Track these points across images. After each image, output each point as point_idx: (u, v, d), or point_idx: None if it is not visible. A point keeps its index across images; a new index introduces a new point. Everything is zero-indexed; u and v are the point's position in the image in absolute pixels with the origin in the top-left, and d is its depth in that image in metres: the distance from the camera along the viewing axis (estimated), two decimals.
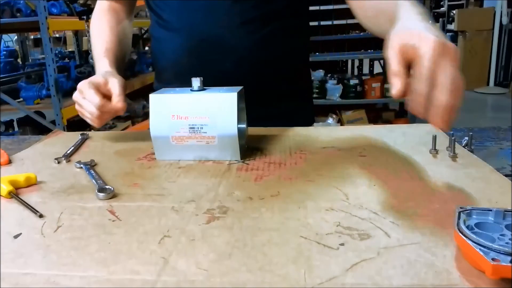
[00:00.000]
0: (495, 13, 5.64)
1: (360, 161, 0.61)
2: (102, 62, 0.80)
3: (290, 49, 0.84)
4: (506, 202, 0.46)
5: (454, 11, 6.69)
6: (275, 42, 0.79)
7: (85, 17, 2.65)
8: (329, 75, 3.62)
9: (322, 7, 3.43)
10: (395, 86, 0.47)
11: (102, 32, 0.86)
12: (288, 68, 0.75)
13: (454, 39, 6.60)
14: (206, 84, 0.65)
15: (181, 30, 0.83)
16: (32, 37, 6.19)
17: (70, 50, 5.13)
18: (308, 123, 0.94)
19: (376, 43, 3.55)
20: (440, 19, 7.94)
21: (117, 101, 0.68)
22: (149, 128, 0.64)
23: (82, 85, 0.70)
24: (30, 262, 0.39)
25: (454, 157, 0.60)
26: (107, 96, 0.70)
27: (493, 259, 0.32)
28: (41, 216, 0.48)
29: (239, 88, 0.64)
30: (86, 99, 0.69)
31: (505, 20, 5.51)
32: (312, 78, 3.50)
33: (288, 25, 0.84)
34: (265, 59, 0.72)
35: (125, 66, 0.87)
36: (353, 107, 3.61)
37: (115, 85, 0.69)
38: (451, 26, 6.81)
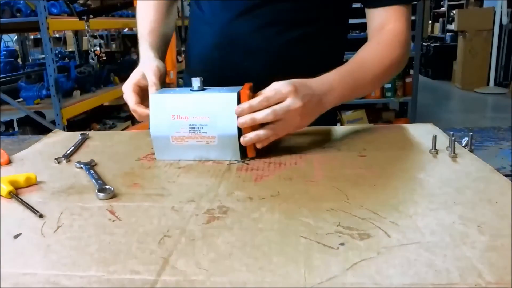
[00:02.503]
0: (495, 13, 5.63)
1: (360, 161, 0.61)
2: (144, 45, 0.81)
3: (320, 54, 0.84)
4: (506, 202, 0.46)
5: (454, 11, 6.69)
6: (304, 46, 0.79)
7: (85, 17, 2.64)
8: None
9: None
10: (242, 110, 0.60)
11: (147, 12, 0.87)
12: (316, 72, 0.75)
13: (454, 39, 6.61)
14: (232, 82, 0.65)
15: (214, 25, 0.83)
16: (32, 37, 6.19)
17: (70, 50, 5.13)
18: (332, 124, 0.95)
19: None
20: (440, 19, 7.94)
21: (150, 92, 0.69)
22: (149, 128, 0.64)
23: (124, 86, 0.73)
24: (30, 262, 0.39)
25: (454, 157, 0.60)
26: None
27: None
28: (41, 216, 0.48)
29: (239, 88, 0.64)
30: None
31: (505, 20, 5.51)
32: None
33: (319, 30, 0.82)
34: (292, 61, 0.72)
35: (168, 43, 0.89)
36: (353, 107, 3.60)
37: (149, 76, 0.71)
38: (451, 26, 6.82)
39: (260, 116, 0.60)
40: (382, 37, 0.75)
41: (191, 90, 0.65)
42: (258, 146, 0.63)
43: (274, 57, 0.80)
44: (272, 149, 0.68)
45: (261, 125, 0.62)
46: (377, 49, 0.75)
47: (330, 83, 0.68)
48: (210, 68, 0.84)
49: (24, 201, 0.51)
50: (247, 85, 0.63)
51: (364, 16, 0.80)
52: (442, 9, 8.16)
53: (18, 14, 2.44)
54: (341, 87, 0.69)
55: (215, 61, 0.84)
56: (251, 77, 0.67)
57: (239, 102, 0.61)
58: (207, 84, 0.66)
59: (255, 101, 0.60)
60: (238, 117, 0.61)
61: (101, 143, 0.77)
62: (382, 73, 0.74)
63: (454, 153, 0.60)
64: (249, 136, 0.61)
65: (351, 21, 0.92)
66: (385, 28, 0.75)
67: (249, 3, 0.79)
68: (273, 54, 0.80)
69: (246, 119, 0.60)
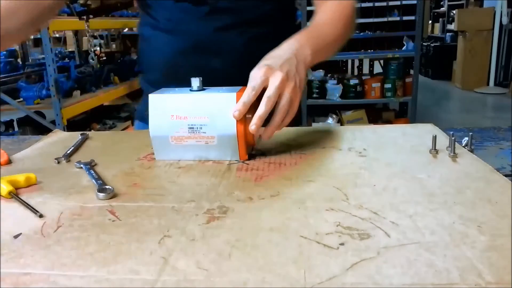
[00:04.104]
0: (495, 13, 5.64)
1: (360, 161, 0.61)
2: None
3: None
4: (506, 202, 0.46)
5: (454, 11, 6.70)
6: (265, 43, 0.80)
7: (85, 17, 2.64)
8: (329, 75, 3.62)
9: None
10: (239, 111, 0.60)
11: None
12: None
13: (454, 39, 6.61)
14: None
15: (175, 32, 0.84)
16: (32, 37, 6.18)
17: (70, 50, 5.13)
18: (297, 119, 0.98)
19: (376, 43, 3.55)
20: (440, 19, 7.95)
21: None
22: (148, 128, 0.64)
23: None
24: (30, 262, 0.39)
25: (454, 157, 0.60)
26: None
27: None
28: (41, 216, 0.48)
29: (239, 88, 0.64)
30: None
31: (505, 20, 5.51)
32: (312, 78, 3.51)
33: (276, 27, 0.86)
34: (256, 58, 0.73)
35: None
36: (353, 107, 3.61)
37: None
38: (451, 26, 6.82)
39: (262, 111, 0.60)
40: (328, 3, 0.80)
41: (191, 90, 0.65)
42: (278, 129, 0.63)
43: (238, 56, 0.82)
44: (272, 149, 0.68)
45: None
46: (328, 12, 0.80)
47: (297, 41, 0.69)
48: (174, 74, 0.83)
49: (24, 201, 0.51)
50: (245, 88, 0.63)
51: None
52: (442, 9, 8.16)
53: None
54: (311, 42, 0.71)
55: (179, 67, 0.84)
56: (218, 78, 0.68)
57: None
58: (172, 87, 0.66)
59: (245, 96, 0.60)
60: (237, 118, 0.60)
61: (101, 143, 0.77)
62: (342, 27, 0.79)
63: (454, 153, 0.60)
64: (270, 130, 0.62)
65: None
66: None
67: (208, 8, 0.80)
68: (237, 53, 0.83)
69: (255, 122, 0.60)
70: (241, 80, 0.65)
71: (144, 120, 0.92)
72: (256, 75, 0.62)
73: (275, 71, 0.61)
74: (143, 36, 0.91)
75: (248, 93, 0.60)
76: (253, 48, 0.79)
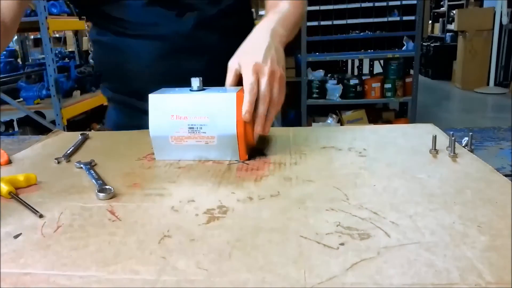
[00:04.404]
0: (495, 13, 5.64)
1: (360, 161, 0.61)
2: None
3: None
4: (506, 202, 0.46)
5: (454, 11, 6.70)
6: (237, 38, 0.80)
7: (85, 17, 2.64)
8: (329, 75, 3.62)
9: (322, 7, 3.43)
10: (248, 112, 0.61)
11: None
12: None
13: (454, 39, 6.61)
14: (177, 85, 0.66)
15: (150, 37, 0.83)
16: (32, 37, 6.19)
17: (70, 50, 5.13)
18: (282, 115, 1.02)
19: (376, 43, 3.55)
20: (440, 19, 7.94)
21: None
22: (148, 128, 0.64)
23: None
24: (30, 262, 0.39)
25: (454, 157, 0.60)
26: None
27: None
28: (41, 216, 0.48)
29: (238, 88, 0.64)
30: None
31: (505, 20, 5.51)
32: (312, 78, 3.51)
33: (243, 21, 0.90)
34: (230, 54, 0.74)
35: None
36: (353, 107, 3.61)
37: None
38: (451, 26, 6.82)
39: (262, 109, 0.62)
40: None
41: (191, 90, 0.65)
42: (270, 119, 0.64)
43: (215, 53, 0.82)
44: (272, 149, 0.68)
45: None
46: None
47: (268, 24, 0.71)
48: (150, 78, 0.83)
49: (24, 201, 0.51)
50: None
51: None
52: (442, 9, 8.16)
53: None
54: (281, 22, 0.73)
55: (157, 70, 0.84)
56: (197, 76, 0.68)
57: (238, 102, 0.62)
58: (152, 90, 0.66)
59: (248, 95, 0.61)
60: (247, 120, 0.61)
61: (101, 143, 0.77)
62: (299, 13, 0.81)
63: (454, 153, 0.60)
64: (260, 125, 0.63)
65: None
66: None
67: (181, 9, 0.82)
68: (214, 51, 0.84)
69: (260, 120, 0.62)
70: (222, 78, 0.66)
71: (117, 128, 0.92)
72: (247, 72, 0.62)
73: (263, 68, 0.63)
74: (105, 44, 0.89)
75: (249, 90, 0.61)
76: (227, 44, 0.78)
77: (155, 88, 0.67)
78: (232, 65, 0.66)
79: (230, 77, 0.66)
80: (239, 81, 0.65)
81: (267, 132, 0.64)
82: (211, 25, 0.84)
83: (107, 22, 0.86)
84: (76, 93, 2.75)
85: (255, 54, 0.64)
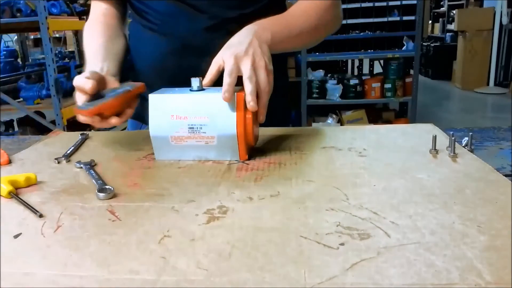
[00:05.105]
0: (495, 13, 5.64)
1: (360, 161, 0.61)
2: (95, 61, 0.77)
3: None
4: (506, 202, 0.46)
5: (454, 11, 6.70)
6: None
7: (85, 17, 2.65)
8: (329, 75, 3.62)
9: None
10: (228, 92, 0.61)
11: (94, 35, 0.86)
12: None
13: (454, 39, 6.61)
14: (188, 85, 0.66)
15: (163, 32, 0.84)
16: (32, 37, 6.19)
17: (70, 50, 5.14)
18: (286, 116, 1.00)
19: (376, 43, 3.55)
20: (440, 19, 7.94)
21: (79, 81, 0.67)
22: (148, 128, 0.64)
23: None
24: (30, 262, 0.39)
25: (454, 157, 0.60)
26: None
27: None
28: (41, 216, 0.48)
29: (238, 88, 0.64)
30: None
31: (505, 20, 5.51)
32: (312, 78, 3.51)
33: None
34: None
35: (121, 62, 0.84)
36: (353, 107, 3.61)
37: (87, 72, 0.69)
38: (451, 26, 6.82)
39: (250, 88, 0.62)
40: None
41: (191, 90, 0.65)
42: (262, 107, 0.64)
43: None
44: (272, 149, 0.68)
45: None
46: (301, 5, 0.80)
47: (257, 25, 0.71)
48: (162, 74, 0.84)
49: (24, 201, 0.51)
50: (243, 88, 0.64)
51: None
52: (442, 9, 8.16)
53: (18, 14, 2.44)
54: (273, 28, 0.72)
55: (167, 68, 0.84)
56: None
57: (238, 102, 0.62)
58: (162, 86, 0.67)
59: (248, 87, 0.61)
60: (228, 100, 0.61)
61: (101, 143, 0.77)
62: (316, 19, 0.79)
63: (454, 153, 0.60)
64: (261, 111, 0.64)
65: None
66: None
67: (192, 5, 0.81)
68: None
69: (250, 99, 0.61)
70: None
71: (139, 118, 0.92)
72: (228, 61, 0.63)
73: (243, 58, 0.64)
74: (134, 37, 0.91)
75: (229, 75, 0.61)
76: None
77: (163, 85, 0.67)
78: (216, 60, 0.66)
79: (212, 70, 0.66)
80: (220, 76, 0.65)
81: (262, 120, 0.65)
82: (228, 28, 0.81)
83: (134, 13, 0.89)
84: None
85: (237, 48, 0.65)
